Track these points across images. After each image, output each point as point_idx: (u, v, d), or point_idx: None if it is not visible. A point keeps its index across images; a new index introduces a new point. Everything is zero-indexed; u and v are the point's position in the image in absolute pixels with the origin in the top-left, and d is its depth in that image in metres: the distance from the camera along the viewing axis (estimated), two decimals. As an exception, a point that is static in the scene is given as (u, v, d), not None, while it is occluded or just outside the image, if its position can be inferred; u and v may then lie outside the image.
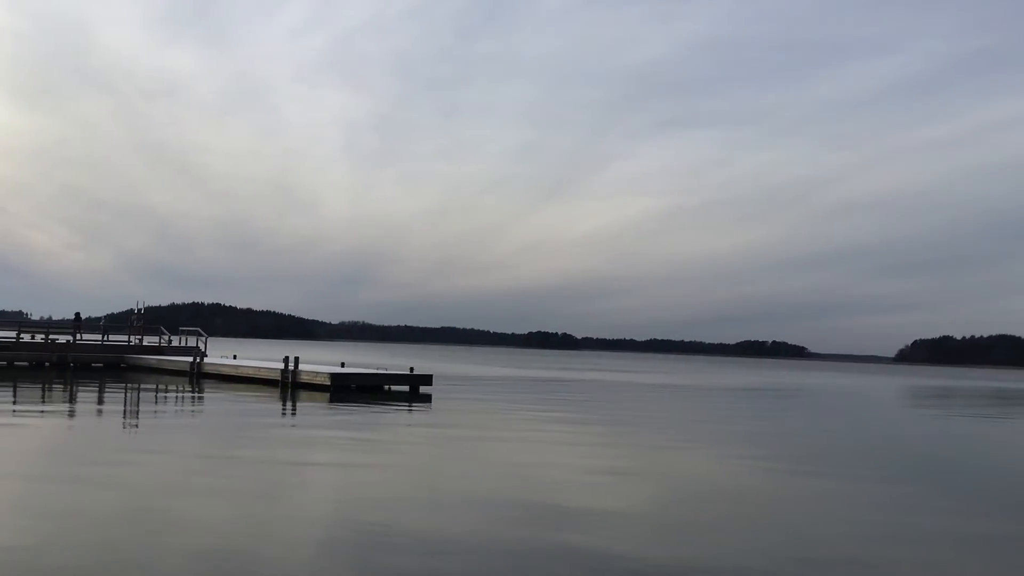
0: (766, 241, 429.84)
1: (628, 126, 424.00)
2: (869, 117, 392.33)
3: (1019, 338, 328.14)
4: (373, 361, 72.80)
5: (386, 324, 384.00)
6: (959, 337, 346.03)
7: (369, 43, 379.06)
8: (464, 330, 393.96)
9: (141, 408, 25.95)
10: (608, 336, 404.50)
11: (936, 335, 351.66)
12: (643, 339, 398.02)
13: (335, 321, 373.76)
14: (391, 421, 24.67)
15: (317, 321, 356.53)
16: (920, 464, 19.78)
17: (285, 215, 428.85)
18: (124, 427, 20.82)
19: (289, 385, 36.67)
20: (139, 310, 54.16)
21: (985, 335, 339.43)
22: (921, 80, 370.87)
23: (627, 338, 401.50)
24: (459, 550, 9.52)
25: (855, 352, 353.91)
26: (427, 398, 33.70)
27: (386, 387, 37.63)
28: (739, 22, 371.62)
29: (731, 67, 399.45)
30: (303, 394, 33.23)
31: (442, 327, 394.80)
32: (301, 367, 37.65)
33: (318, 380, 35.95)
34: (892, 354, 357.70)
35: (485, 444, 20.01)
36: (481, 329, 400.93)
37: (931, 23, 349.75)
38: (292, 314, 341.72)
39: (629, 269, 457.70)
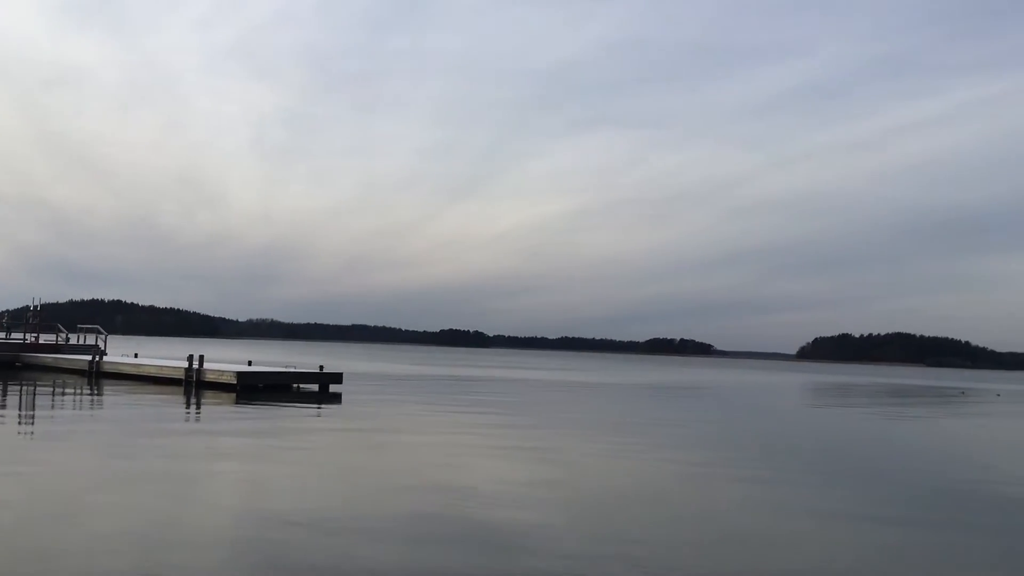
0: (676, 240, 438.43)
1: (541, 125, 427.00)
2: (776, 120, 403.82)
3: (913, 336, 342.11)
4: (282, 359, 71.58)
5: (296, 322, 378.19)
6: (857, 335, 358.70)
7: (280, 35, 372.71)
8: (375, 328, 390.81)
9: (36, 411, 24.91)
10: (520, 334, 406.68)
11: (835, 333, 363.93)
12: (555, 337, 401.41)
13: (243, 319, 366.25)
14: (299, 422, 24.26)
15: (224, 319, 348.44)
16: (821, 458, 20.41)
17: (191, 210, 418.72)
18: (17, 432, 19.96)
19: (193, 384, 35.76)
20: (35, 307, 52.08)
21: (882, 333, 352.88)
22: (826, 84, 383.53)
23: (539, 336, 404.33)
24: (373, 560, 9.40)
25: (759, 349, 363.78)
26: (337, 397, 33.28)
27: (295, 386, 37.03)
28: (651, 24, 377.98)
29: (643, 68, 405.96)
30: (208, 394, 32.44)
31: (353, 325, 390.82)
32: (206, 366, 36.75)
33: (224, 379, 35.15)
34: (794, 351, 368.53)
35: (397, 444, 19.84)
36: (392, 327, 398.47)
37: (836, 29, 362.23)
38: (198, 312, 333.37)
39: (541, 267, 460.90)
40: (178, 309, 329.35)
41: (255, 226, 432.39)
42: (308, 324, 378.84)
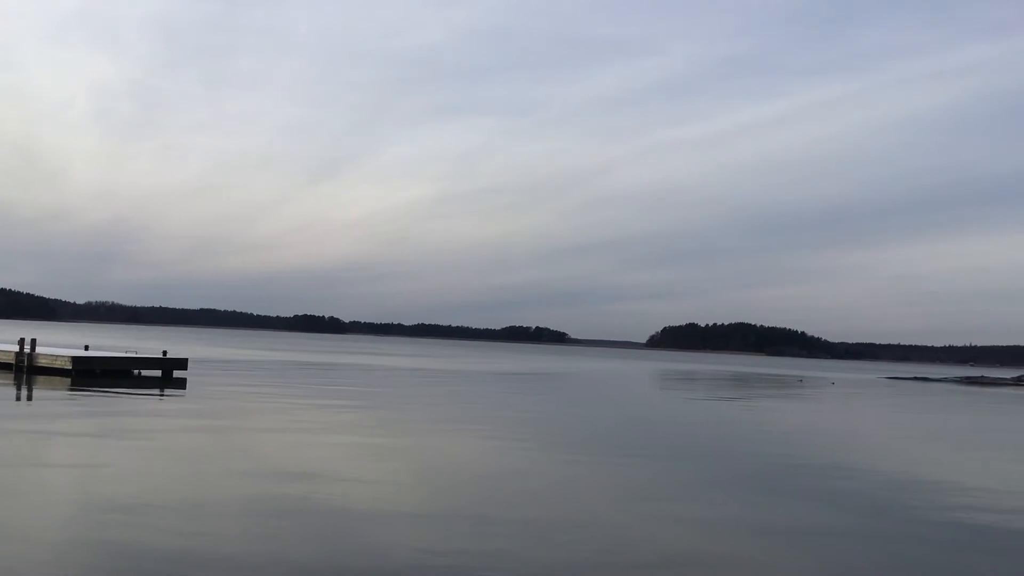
0: (533, 229, 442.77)
1: (403, 110, 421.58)
2: (634, 113, 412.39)
3: (754, 325, 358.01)
4: (123, 344, 68.20)
5: (139, 305, 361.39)
6: (703, 324, 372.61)
7: (126, 4, 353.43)
8: (226, 312, 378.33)
9: None
10: (376, 320, 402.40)
11: (683, 322, 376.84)
12: (411, 323, 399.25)
13: (81, 301, 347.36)
14: (139, 409, 23.07)
15: (60, 301, 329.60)
16: (668, 441, 20.99)
17: (26, 185, 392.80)
18: None
19: (24, 369, 33.53)
20: None
21: (726, 323, 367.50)
22: (682, 81, 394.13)
23: (395, 322, 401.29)
24: (217, 554, 8.94)
25: (612, 338, 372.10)
26: (181, 383, 31.90)
27: (136, 372, 35.28)
28: (516, 13, 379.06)
29: (505, 57, 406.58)
30: (40, 380, 30.47)
31: (202, 309, 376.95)
32: (39, 350, 34.53)
33: (58, 364, 33.10)
34: (644, 340, 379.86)
35: (243, 432, 19.14)
36: (244, 312, 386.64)
37: (690, 29, 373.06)
38: (31, 292, 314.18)
39: (399, 254, 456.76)
40: (9, 290, 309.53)
41: (95, 203, 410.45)
42: (153, 308, 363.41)
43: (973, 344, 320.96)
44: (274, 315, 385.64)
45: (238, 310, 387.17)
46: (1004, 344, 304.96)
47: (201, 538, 9.31)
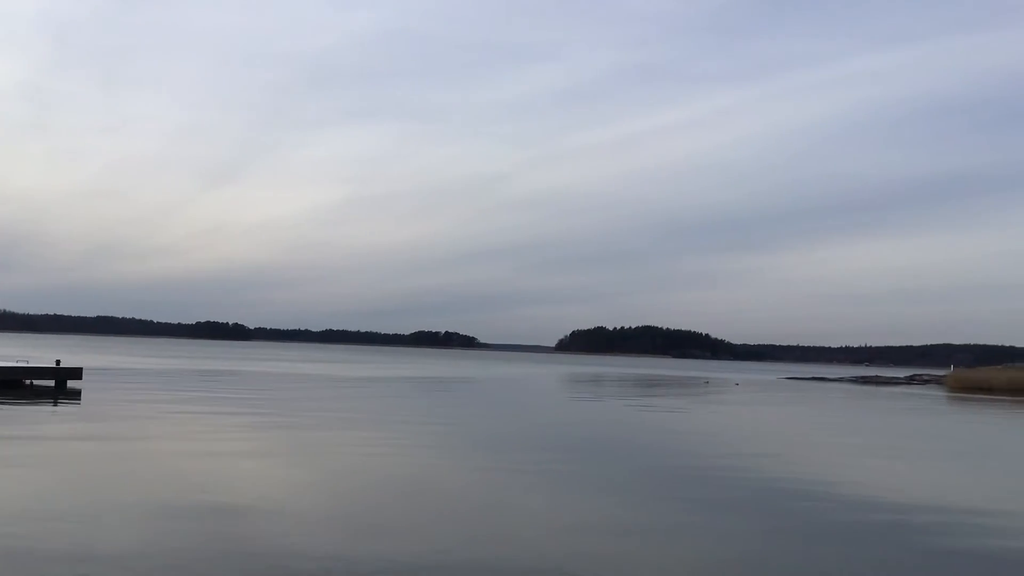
0: (441, 233, 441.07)
1: (306, 112, 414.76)
2: (539, 119, 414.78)
3: (660, 328, 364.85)
4: (14, 352, 65.28)
5: (33, 312, 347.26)
6: (611, 328, 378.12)
7: (18, 2, 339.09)
8: (125, 320, 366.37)
9: None
10: (283, 326, 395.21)
11: (591, 326, 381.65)
12: (319, 329, 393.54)
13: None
14: (30, 421, 22.07)
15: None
16: (575, 445, 21.09)
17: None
18: None
19: (-97, 382, 31.74)
20: None
21: (633, 326, 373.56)
22: (586, 88, 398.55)
23: (303, 328, 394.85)
24: (110, 561, 8.54)
25: (521, 342, 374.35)
26: (76, 394, 30.67)
27: (27, 382, 33.79)
28: (420, 17, 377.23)
29: (411, 61, 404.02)
30: (-79, 392, 28.89)
31: (98, 316, 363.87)
32: (-81, 361, 32.76)
33: (-59, 376, 31.44)
34: (553, 343, 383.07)
35: (141, 445, 18.47)
36: (143, 319, 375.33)
37: (597, 35, 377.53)
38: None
39: (305, 258, 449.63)
40: None
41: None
42: (46, 315, 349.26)
43: (868, 345, 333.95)
44: (175, 322, 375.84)
45: (137, 317, 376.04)
46: (897, 345, 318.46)
47: (93, 556, 8.89)
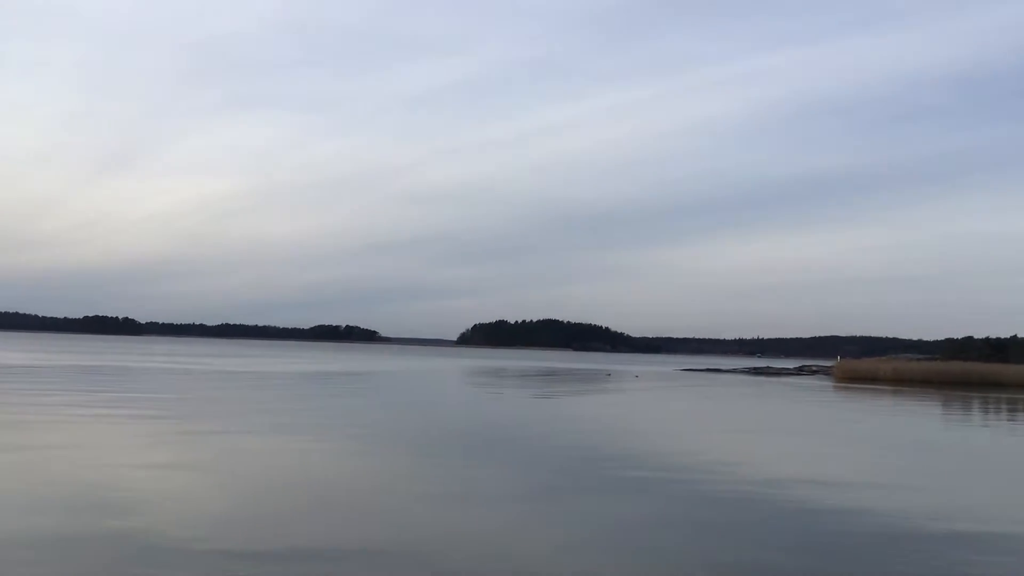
0: (340, 226, 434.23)
1: (198, 101, 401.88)
2: (439, 112, 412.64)
3: (561, 322, 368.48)
4: None
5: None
6: (512, 321, 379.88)
7: None
8: (7, 314, 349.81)
9: None
10: (175, 320, 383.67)
11: (493, 319, 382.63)
12: (214, 323, 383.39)
13: None
14: None
15: None
16: (475, 438, 21.05)
17: None
18: None
19: None
20: None
21: (534, 319, 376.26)
22: (487, 82, 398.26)
23: (196, 322, 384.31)
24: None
25: (423, 336, 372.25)
26: (-50, 392, 29.08)
27: None
28: (321, 6, 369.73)
29: (306, 51, 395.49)
30: None
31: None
32: None
33: None
34: (455, 337, 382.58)
35: (24, 446, 17.58)
36: (27, 312, 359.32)
37: (497, 29, 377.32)
38: None
39: (199, 251, 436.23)
40: None
41: None
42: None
43: (760, 337, 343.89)
44: (61, 316, 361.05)
45: (20, 311, 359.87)
46: (788, 337, 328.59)
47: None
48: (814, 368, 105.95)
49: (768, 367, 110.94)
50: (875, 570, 9.67)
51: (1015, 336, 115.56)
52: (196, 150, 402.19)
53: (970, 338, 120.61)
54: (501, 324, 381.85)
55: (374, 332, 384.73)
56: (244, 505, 12.04)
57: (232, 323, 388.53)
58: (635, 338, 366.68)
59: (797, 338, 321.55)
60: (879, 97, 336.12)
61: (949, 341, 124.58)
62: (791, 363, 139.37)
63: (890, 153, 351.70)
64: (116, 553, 9.07)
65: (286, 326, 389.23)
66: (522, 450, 19.40)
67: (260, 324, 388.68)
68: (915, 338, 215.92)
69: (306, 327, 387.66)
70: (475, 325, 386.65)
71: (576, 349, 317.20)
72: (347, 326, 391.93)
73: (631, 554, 9.99)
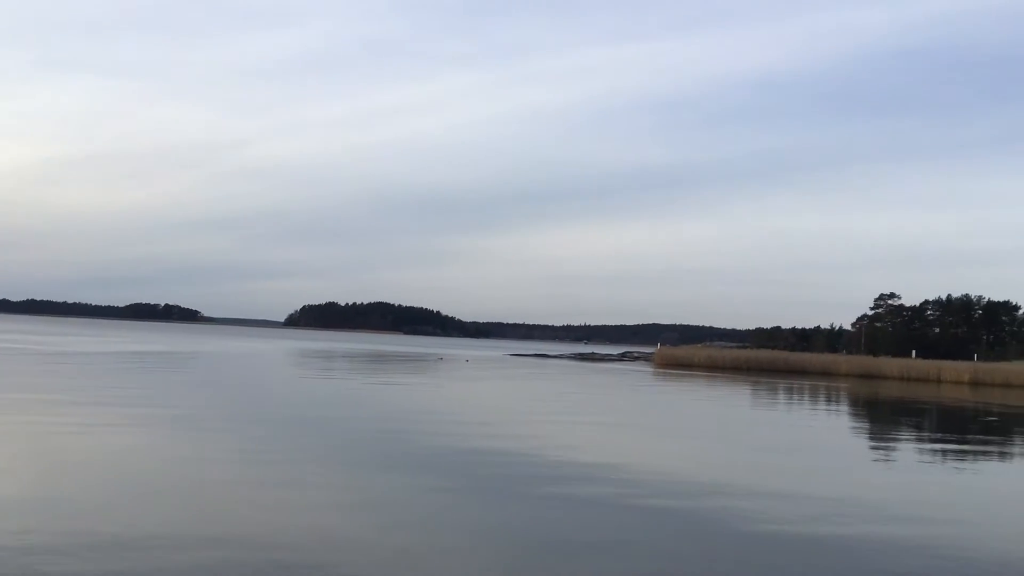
0: (162, 201, 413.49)
1: (11, 61, 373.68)
2: (274, 87, 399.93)
3: (392, 304, 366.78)
4: None
5: None
6: (343, 303, 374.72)
7: None
8: None
9: None
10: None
11: (323, 301, 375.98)
12: (19, 299, 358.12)
13: None
14: None
15: None
16: (288, 420, 20.71)
17: None
18: None
19: None
20: None
21: (365, 302, 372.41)
22: (325, 58, 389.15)
23: (0, 298, 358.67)
24: None
25: (249, 316, 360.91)
26: None
27: None
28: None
29: (135, 12, 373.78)
30: None
31: None
32: None
33: None
34: (282, 318, 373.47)
35: None
36: None
37: (339, 6, 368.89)
38: None
39: (6, 220, 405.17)
40: None
41: None
42: None
43: (587, 324, 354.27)
44: None
45: None
46: (613, 324, 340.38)
47: None
48: (636, 355, 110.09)
49: (593, 353, 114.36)
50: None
51: (818, 327, 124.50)
52: (6, 114, 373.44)
53: (778, 328, 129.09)
54: (331, 306, 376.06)
55: (196, 312, 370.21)
56: (31, 491, 11.42)
57: (39, 299, 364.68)
58: (466, 323, 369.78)
59: (622, 325, 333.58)
60: (699, 96, 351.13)
61: (760, 330, 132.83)
62: (616, 350, 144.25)
63: (709, 150, 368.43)
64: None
65: (100, 304, 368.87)
66: (344, 433, 19.26)
67: (71, 301, 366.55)
68: (729, 327, 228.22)
69: (122, 305, 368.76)
70: (304, 306, 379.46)
71: (407, 332, 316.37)
72: (167, 305, 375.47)
73: (448, 529, 10.16)
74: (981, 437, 27.40)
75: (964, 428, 31.42)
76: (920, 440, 25.76)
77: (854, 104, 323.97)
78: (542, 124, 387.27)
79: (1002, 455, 22.70)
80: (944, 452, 22.26)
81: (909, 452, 21.77)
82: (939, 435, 28.31)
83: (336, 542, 9.53)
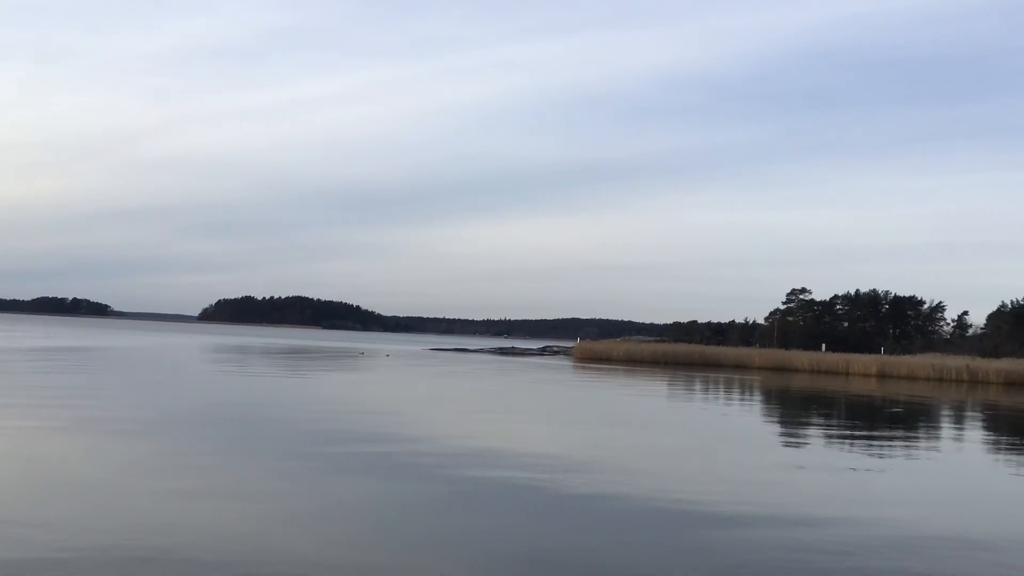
0: (69, 191, 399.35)
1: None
2: (190, 76, 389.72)
3: (310, 299, 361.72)
4: None
5: None
6: (260, 297, 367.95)
7: None
8: None
9: None
10: None
11: (239, 295, 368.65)
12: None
13: None
14: None
15: None
16: (201, 415, 20.33)
17: None
18: None
19: None
20: None
21: (283, 296, 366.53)
22: (244, 48, 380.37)
23: None
24: None
25: (161, 311, 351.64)
26: None
27: None
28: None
29: (50, 1, 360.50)
30: None
31: None
32: None
33: None
34: (196, 313, 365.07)
35: None
36: None
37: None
38: None
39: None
40: None
41: None
42: None
43: (508, 318, 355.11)
44: None
45: None
46: (534, 318, 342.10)
47: None
48: (556, 349, 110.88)
49: (513, 347, 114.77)
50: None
51: (733, 321, 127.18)
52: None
53: (695, 322, 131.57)
54: (247, 300, 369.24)
55: (106, 306, 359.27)
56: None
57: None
58: (386, 317, 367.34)
59: (543, 319, 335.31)
60: (623, 92, 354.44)
61: (676, 325, 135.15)
62: (536, 344, 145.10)
63: (630, 146, 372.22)
64: None
65: (3, 297, 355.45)
66: (262, 433, 18.97)
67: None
68: (648, 321, 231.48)
69: (27, 299, 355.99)
70: (219, 300, 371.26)
71: (326, 327, 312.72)
72: (75, 299, 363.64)
73: (373, 532, 10.12)
74: (886, 425, 28.42)
75: (872, 417, 32.55)
76: (828, 428, 26.59)
77: (769, 103, 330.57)
78: (462, 118, 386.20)
79: (906, 445, 23.58)
80: (849, 440, 23.02)
81: (816, 442, 22.48)
82: (848, 423, 29.26)
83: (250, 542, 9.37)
